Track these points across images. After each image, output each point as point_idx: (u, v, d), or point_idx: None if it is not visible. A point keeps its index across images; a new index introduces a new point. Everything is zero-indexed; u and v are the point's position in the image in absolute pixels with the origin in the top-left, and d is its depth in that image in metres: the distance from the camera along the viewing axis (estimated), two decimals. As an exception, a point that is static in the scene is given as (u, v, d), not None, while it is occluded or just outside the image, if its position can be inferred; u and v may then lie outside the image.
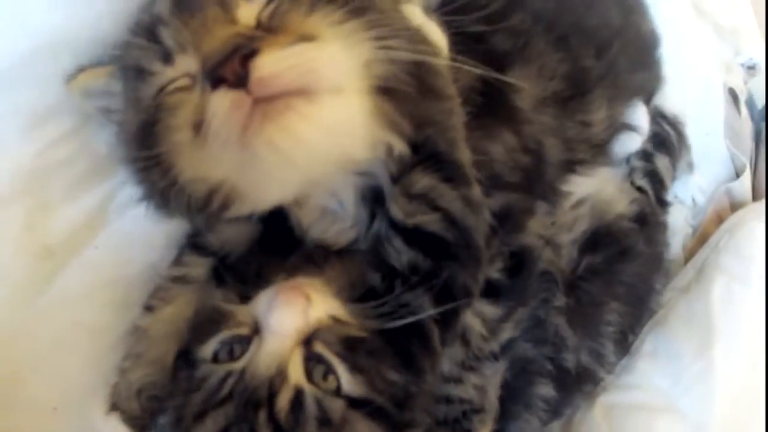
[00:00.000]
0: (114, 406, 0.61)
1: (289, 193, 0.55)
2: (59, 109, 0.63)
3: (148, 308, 0.65)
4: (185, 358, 0.59)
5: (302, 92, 0.44)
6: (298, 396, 0.52)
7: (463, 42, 0.62)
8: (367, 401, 0.53)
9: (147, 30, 0.52)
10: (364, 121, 0.50)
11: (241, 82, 0.43)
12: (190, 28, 0.48)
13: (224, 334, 0.55)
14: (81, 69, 0.60)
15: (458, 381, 0.65)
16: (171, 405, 0.57)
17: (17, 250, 0.63)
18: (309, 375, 0.53)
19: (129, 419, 0.60)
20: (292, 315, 0.53)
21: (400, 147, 0.53)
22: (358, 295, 0.59)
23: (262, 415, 0.51)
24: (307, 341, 0.53)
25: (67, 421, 0.64)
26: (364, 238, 0.60)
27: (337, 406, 0.52)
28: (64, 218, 0.66)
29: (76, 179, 0.66)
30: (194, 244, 0.66)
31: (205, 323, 0.59)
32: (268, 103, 0.43)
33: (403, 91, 0.51)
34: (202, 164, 0.49)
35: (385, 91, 0.50)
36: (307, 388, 0.52)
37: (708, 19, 1.22)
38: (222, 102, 0.43)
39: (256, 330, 0.55)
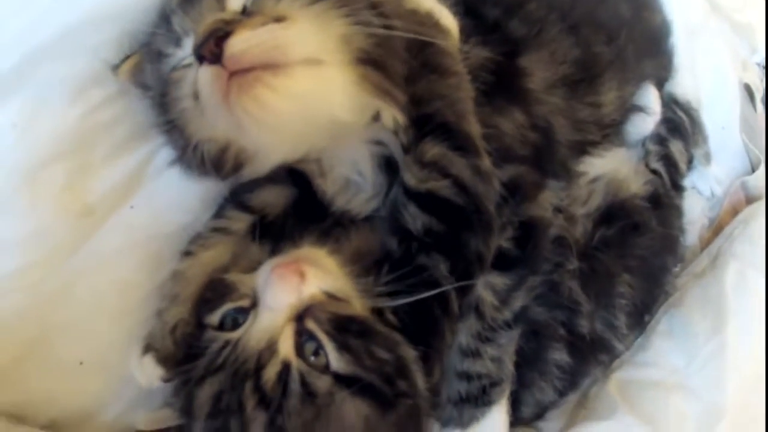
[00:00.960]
0: (148, 347, 0.64)
1: (289, 154, 0.62)
2: (103, 77, 0.67)
3: (187, 253, 0.68)
4: (197, 324, 0.62)
5: (269, 66, 0.51)
6: (285, 370, 0.53)
7: (478, 27, 0.67)
8: (355, 378, 0.54)
9: (164, 19, 0.61)
10: (347, 88, 0.55)
11: (217, 59, 0.50)
12: (192, 16, 0.57)
13: (228, 306, 0.58)
14: (125, 58, 0.66)
15: (476, 354, 0.67)
16: (181, 369, 0.60)
17: (58, 209, 0.67)
18: (299, 350, 0.54)
19: (162, 358, 0.63)
20: (285, 291, 0.55)
21: (395, 113, 0.58)
22: (375, 263, 0.61)
23: (249, 386, 0.53)
24: (300, 317, 0.54)
25: (93, 374, 0.68)
26: (383, 206, 0.64)
27: (323, 383, 0.53)
28: (104, 179, 0.70)
29: (116, 142, 0.70)
30: (237, 200, 0.70)
31: (213, 294, 0.61)
32: (241, 76, 0.50)
33: (392, 62, 0.57)
34: (206, 127, 0.58)
35: (369, 62, 0.55)
36: (295, 362, 0.53)
37: (723, 15, 1.24)
38: (205, 75, 0.52)
39: (255, 302, 0.57)
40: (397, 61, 0.57)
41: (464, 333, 0.66)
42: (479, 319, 0.65)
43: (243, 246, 0.68)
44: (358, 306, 0.58)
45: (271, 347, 0.54)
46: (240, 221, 0.69)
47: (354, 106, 0.56)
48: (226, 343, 0.56)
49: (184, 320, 0.64)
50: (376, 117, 0.59)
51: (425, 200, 0.58)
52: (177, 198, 0.72)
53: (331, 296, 0.56)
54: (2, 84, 0.64)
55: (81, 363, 0.68)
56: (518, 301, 0.67)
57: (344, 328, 0.54)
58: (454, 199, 0.58)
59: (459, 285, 0.60)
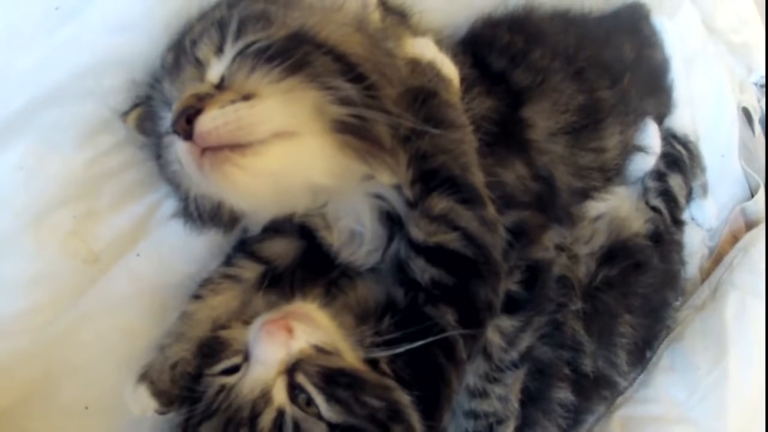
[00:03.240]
0: (144, 376, 0.64)
1: (279, 212, 0.64)
2: (111, 123, 0.67)
3: (197, 296, 0.69)
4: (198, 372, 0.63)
5: (236, 146, 0.52)
6: (281, 416, 0.55)
7: (482, 77, 0.68)
8: (348, 426, 0.55)
9: (158, 81, 0.62)
10: (326, 155, 0.56)
11: (189, 136, 0.51)
12: (176, 85, 0.59)
13: (221, 366, 0.60)
14: (134, 105, 0.67)
15: (483, 394, 0.68)
16: (182, 412, 0.61)
17: (64, 253, 0.67)
18: (294, 400, 0.56)
19: (157, 391, 0.63)
20: (273, 347, 0.56)
21: (387, 175, 0.59)
22: (380, 312, 0.63)
23: (244, 432, 0.55)
24: (292, 369, 0.56)
25: (98, 419, 0.68)
26: (382, 260, 0.66)
27: (318, 429, 0.55)
28: (110, 225, 0.70)
29: (123, 189, 0.70)
30: (248, 250, 0.72)
31: (209, 350, 0.63)
32: (212, 153, 0.52)
33: (377, 127, 0.57)
34: (196, 188, 0.60)
35: (348, 130, 0.55)
36: (290, 410, 0.55)
37: (720, 38, 1.25)
38: (182, 149, 0.53)
39: (247, 356, 0.59)
40: (384, 126, 0.57)
41: (472, 374, 0.67)
42: (487, 361, 0.67)
43: (251, 295, 0.69)
44: (350, 357, 0.60)
45: (265, 396, 0.55)
46: (250, 270, 0.70)
47: (337, 171, 0.57)
48: (222, 387, 0.58)
49: (186, 359, 0.65)
50: (372, 175, 0.60)
51: (434, 253, 0.59)
52: (184, 247, 0.72)
53: (320, 350, 0.58)
54: (9, 126, 0.63)
55: (86, 408, 0.69)
56: (525, 342, 0.68)
57: (333, 381, 0.56)
58: (463, 251, 0.59)
59: (468, 333, 0.60)
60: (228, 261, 0.72)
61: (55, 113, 0.65)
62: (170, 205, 0.71)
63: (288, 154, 0.54)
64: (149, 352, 0.68)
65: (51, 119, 0.65)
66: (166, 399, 0.63)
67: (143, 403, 0.63)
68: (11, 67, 0.62)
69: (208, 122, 0.51)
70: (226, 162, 0.51)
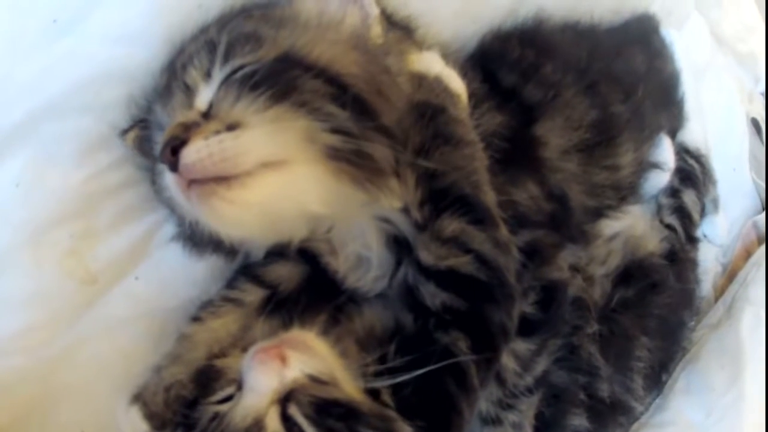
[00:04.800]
0: (137, 398, 0.62)
1: (276, 239, 0.63)
2: (111, 138, 0.66)
3: (196, 319, 0.67)
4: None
5: (222, 178, 0.51)
6: None
7: (492, 92, 0.66)
8: None
9: (152, 102, 0.61)
10: (320, 182, 0.53)
11: (175, 167, 0.51)
12: (167, 110, 0.57)
13: (218, 395, 0.58)
14: (133, 124, 0.65)
15: (497, 422, 0.66)
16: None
17: (61, 273, 0.66)
18: (289, 430, 0.54)
19: (149, 414, 0.61)
20: (266, 375, 0.55)
21: (389, 200, 0.57)
22: (384, 342, 0.60)
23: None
24: (285, 399, 0.55)
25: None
26: (390, 285, 0.63)
27: None
28: (109, 246, 0.68)
29: (122, 209, 0.69)
30: (252, 273, 0.70)
31: (204, 379, 0.61)
32: (199, 185, 0.51)
33: (377, 153, 0.54)
34: (191, 216, 0.58)
35: (342, 158, 0.53)
36: None
37: (728, 48, 1.24)
38: (169, 180, 0.53)
39: (240, 385, 0.57)
40: (383, 148, 0.55)
41: (484, 400, 0.65)
42: (500, 386, 0.65)
43: (252, 319, 0.67)
44: (347, 387, 0.58)
45: (257, 425, 0.54)
46: (253, 294, 0.68)
47: (334, 199, 0.55)
48: (216, 415, 0.56)
49: (181, 382, 0.63)
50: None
51: (445, 277, 0.57)
52: (184, 270, 0.70)
53: (315, 379, 0.56)
54: (6, 139, 0.62)
55: (82, 431, 0.67)
56: (540, 366, 0.66)
57: (326, 412, 0.54)
58: (476, 274, 0.57)
59: (481, 359, 0.58)
60: (230, 284, 0.70)
61: (53, 127, 0.63)
62: (170, 227, 0.69)
63: (277, 184, 0.52)
64: (147, 374, 0.65)
65: (49, 133, 0.63)
66: (159, 422, 0.61)
67: (134, 425, 0.61)
68: (9, 78, 0.61)
69: (193, 154, 0.50)
70: (212, 195, 0.50)
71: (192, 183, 0.50)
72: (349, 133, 0.52)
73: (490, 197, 0.59)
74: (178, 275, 0.70)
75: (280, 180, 0.52)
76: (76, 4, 0.61)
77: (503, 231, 0.59)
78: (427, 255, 0.57)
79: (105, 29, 0.62)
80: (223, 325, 0.66)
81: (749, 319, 0.88)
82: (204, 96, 0.55)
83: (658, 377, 0.82)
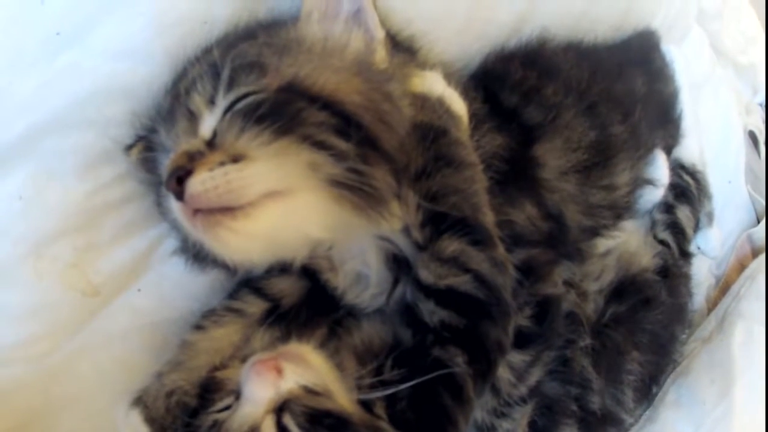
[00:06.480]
0: (138, 401, 0.63)
1: (279, 259, 0.64)
2: (114, 153, 0.66)
3: (198, 327, 0.68)
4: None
5: (227, 209, 0.52)
6: None
7: (493, 113, 0.67)
8: None
9: (155, 123, 0.62)
10: (322, 209, 0.55)
11: (180, 196, 0.52)
12: (171, 136, 0.58)
13: (217, 406, 0.60)
14: (137, 139, 0.66)
15: (491, 429, 0.68)
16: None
17: (63, 285, 0.66)
18: None
19: (150, 418, 0.62)
20: (262, 386, 0.58)
21: (390, 224, 0.59)
22: (381, 356, 0.62)
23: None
24: (280, 408, 0.57)
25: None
26: (387, 302, 0.65)
27: None
28: (111, 259, 0.69)
29: (124, 223, 0.69)
30: (254, 286, 0.71)
31: (205, 391, 0.63)
32: (204, 215, 0.52)
33: (380, 179, 0.56)
34: (195, 237, 0.58)
35: (344, 186, 0.55)
36: None
37: (727, 60, 1.24)
38: (175, 207, 0.54)
39: (238, 395, 0.60)
40: (385, 176, 0.56)
41: (479, 408, 0.66)
42: (495, 395, 0.66)
43: (253, 330, 0.68)
44: (341, 399, 0.60)
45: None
46: (255, 306, 0.69)
47: (335, 224, 0.57)
48: (215, 423, 0.59)
49: (182, 389, 0.64)
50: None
51: (444, 296, 0.59)
52: (186, 284, 0.71)
53: (310, 390, 0.58)
54: (8, 153, 0.62)
55: None
56: (534, 377, 0.68)
57: (319, 422, 0.56)
58: (475, 293, 0.58)
59: (477, 372, 0.60)
60: (233, 294, 0.71)
61: (55, 142, 0.64)
62: (172, 241, 0.70)
63: (280, 213, 0.54)
64: (148, 380, 0.66)
65: (51, 147, 0.64)
66: (159, 427, 0.62)
67: (134, 427, 0.62)
68: (11, 91, 0.61)
69: (198, 185, 0.51)
70: (217, 225, 0.52)
71: (197, 212, 0.52)
72: (352, 166, 0.54)
73: (489, 218, 0.61)
74: (180, 288, 0.71)
75: (283, 209, 0.53)
76: (78, 18, 0.61)
77: (501, 251, 0.61)
78: (427, 274, 0.59)
79: (107, 44, 0.62)
80: (225, 334, 0.68)
81: (741, 333, 0.89)
82: (208, 124, 0.56)
83: (648, 390, 0.83)
